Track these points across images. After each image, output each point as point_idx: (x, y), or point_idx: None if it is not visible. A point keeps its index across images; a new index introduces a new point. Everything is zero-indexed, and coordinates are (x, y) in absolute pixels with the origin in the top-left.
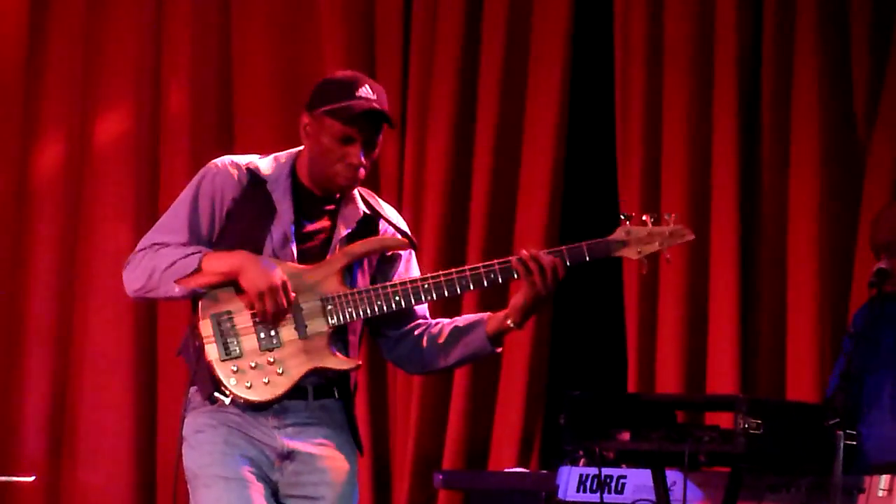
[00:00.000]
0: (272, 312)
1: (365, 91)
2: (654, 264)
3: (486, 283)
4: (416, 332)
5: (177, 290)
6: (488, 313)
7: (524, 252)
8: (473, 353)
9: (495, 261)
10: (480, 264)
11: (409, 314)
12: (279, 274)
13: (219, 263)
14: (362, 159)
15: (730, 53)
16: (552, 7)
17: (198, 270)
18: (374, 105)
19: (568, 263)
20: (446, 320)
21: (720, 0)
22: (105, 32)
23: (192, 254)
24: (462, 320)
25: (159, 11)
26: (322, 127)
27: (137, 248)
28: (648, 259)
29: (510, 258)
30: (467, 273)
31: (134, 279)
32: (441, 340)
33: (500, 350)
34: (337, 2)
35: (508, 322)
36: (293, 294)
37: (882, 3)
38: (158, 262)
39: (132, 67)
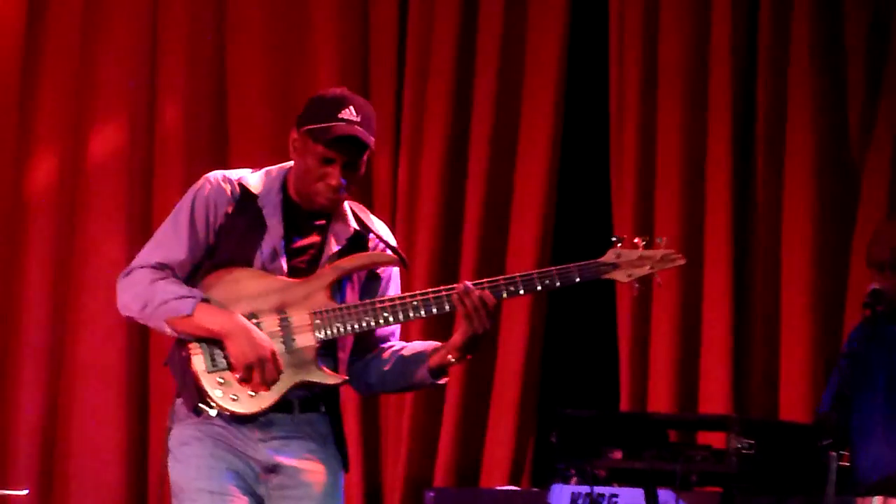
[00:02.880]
0: (258, 384)
1: (348, 113)
2: (647, 284)
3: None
4: (367, 355)
5: (168, 331)
6: (434, 344)
7: (459, 286)
8: (414, 384)
9: (486, 280)
10: (471, 282)
11: (374, 340)
12: (267, 345)
13: (211, 320)
14: (341, 181)
15: (724, 74)
16: (547, 26)
17: (190, 317)
18: (353, 130)
19: (558, 285)
20: (398, 344)
21: (715, 20)
22: (100, 47)
23: (187, 297)
24: (409, 350)
25: (154, 27)
26: (305, 145)
27: (135, 263)
28: (639, 282)
29: (493, 279)
30: (443, 293)
31: (128, 302)
32: (386, 368)
33: (443, 381)
34: (331, 17)
35: (449, 357)
36: (282, 365)
37: (877, 21)
38: (153, 295)
39: (126, 81)
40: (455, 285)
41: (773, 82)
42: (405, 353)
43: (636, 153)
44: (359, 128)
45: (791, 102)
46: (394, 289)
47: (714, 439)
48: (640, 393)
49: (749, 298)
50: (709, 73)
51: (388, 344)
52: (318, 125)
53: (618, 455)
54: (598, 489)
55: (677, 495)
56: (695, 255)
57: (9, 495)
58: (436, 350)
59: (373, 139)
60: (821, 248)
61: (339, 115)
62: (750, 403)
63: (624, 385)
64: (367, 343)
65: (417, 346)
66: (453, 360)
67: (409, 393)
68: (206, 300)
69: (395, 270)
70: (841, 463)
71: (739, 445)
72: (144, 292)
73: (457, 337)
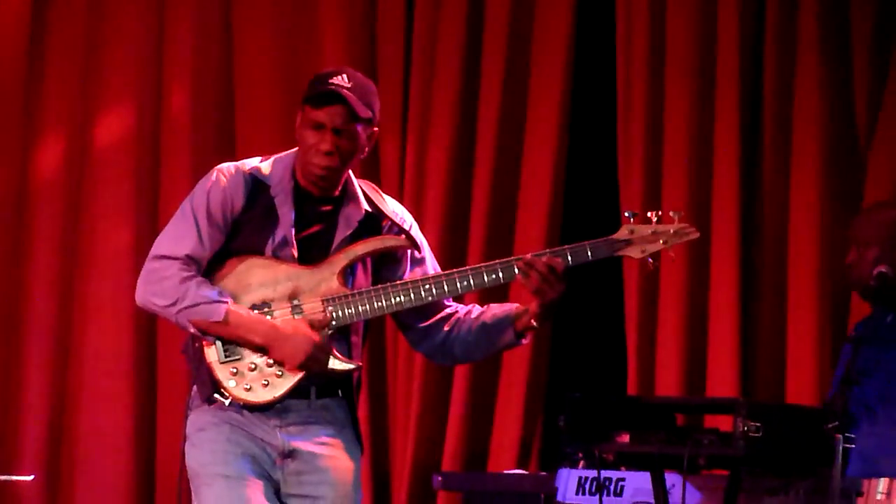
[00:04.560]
0: (313, 370)
1: (339, 79)
2: (656, 265)
3: (487, 283)
4: (444, 327)
5: (191, 330)
6: (514, 307)
7: (521, 261)
8: (503, 348)
9: (497, 261)
10: (482, 264)
11: (435, 304)
12: (306, 339)
13: (245, 329)
14: (331, 146)
15: (731, 55)
16: (555, 9)
17: (221, 323)
18: (338, 90)
19: (571, 263)
20: (474, 310)
21: (722, 2)
22: (106, 31)
23: (217, 302)
24: (489, 315)
25: (161, 11)
26: (303, 119)
27: (159, 252)
28: (652, 257)
29: (512, 258)
30: (468, 272)
31: (153, 294)
32: (470, 338)
33: (526, 341)
34: (339, 2)
35: (532, 322)
36: (327, 342)
37: (884, 4)
38: (183, 295)
39: (133, 67)
40: (466, 268)
41: (780, 64)
42: (487, 319)
43: (644, 136)
44: (346, 90)
45: (798, 84)
46: (427, 268)
47: (721, 422)
48: (648, 377)
49: (756, 283)
50: (716, 54)
51: (454, 308)
52: (309, 93)
53: (625, 439)
54: (606, 473)
55: (685, 479)
56: (702, 239)
57: (15, 481)
58: (518, 315)
59: (367, 111)
60: (828, 232)
61: (330, 81)
62: (757, 386)
63: (631, 368)
64: (430, 309)
65: (498, 310)
66: (536, 325)
67: (418, 380)
68: (233, 303)
69: (426, 250)
70: (847, 445)
71: (746, 428)
72: (174, 290)
73: (534, 306)
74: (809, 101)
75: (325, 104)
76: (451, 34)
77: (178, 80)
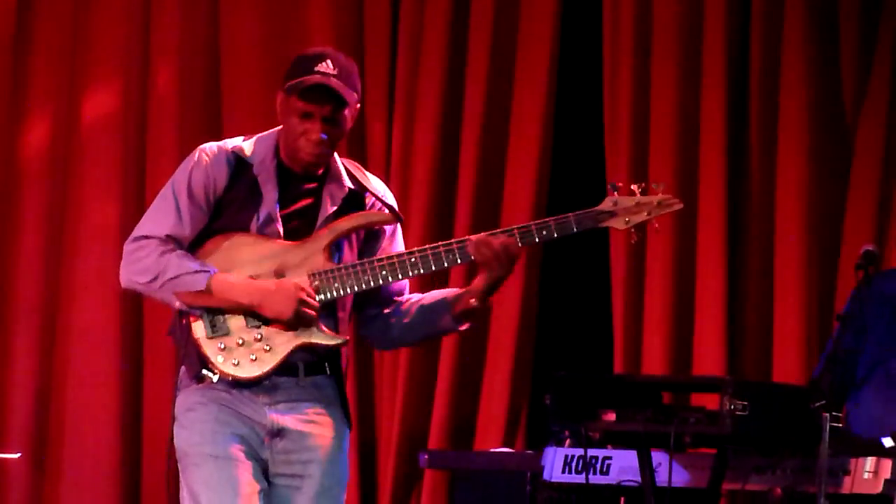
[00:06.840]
0: (307, 319)
1: (325, 66)
2: (642, 240)
3: (473, 257)
4: (386, 310)
5: (177, 304)
6: (454, 291)
7: (472, 238)
8: (438, 332)
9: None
10: (466, 237)
11: (391, 294)
12: (294, 289)
13: (232, 294)
14: (321, 135)
15: (718, 31)
16: None
17: (206, 293)
18: (326, 81)
19: (556, 235)
20: (416, 296)
21: None
22: (94, 10)
23: (199, 271)
24: (429, 298)
25: None
26: (287, 103)
27: (138, 233)
28: (637, 229)
29: (485, 235)
30: (454, 246)
31: (135, 273)
32: (407, 320)
33: (464, 327)
34: None
35: (472, 301)
36: (315, 296)
37: None
38: (164, 268)
39: (120, 45)
40: (453, 240)
41: (767, 39)
42: (426, 302)
43: (630, 113)
44: (334, 79)
45: (785, 60)
46: (397, 246)
47: (708, 401)
48: (634, 355)
49: (743, 261)
50: (703, 30)
51: (405, 297)
52: (295, 80)
53: (611, 417)
54: (592, 451)
55: (671, 457)
56: (689, 217)
57: (2, 458)
58: (457, 297)
59: (354, 94)
60: (815, 209)
61: (316, 69)
62: (744, 365)
63: (618, 347)
64: (381, 298)
65: (437, 294)
66: (476, 304)
67: (404, 358)
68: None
69: (397, 227)
70: (834, 424)
71: (733, 407)
72: (154, 265)
73: (478, 281)
74: (796, 78)
75: (314, 95)
76: (438, 12)
77: (164, 57)
